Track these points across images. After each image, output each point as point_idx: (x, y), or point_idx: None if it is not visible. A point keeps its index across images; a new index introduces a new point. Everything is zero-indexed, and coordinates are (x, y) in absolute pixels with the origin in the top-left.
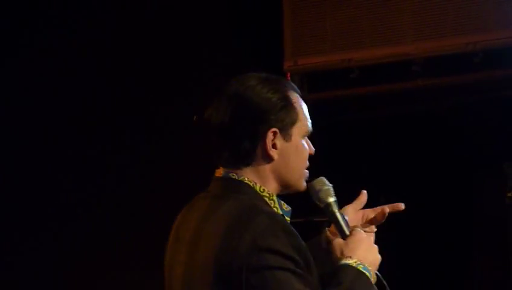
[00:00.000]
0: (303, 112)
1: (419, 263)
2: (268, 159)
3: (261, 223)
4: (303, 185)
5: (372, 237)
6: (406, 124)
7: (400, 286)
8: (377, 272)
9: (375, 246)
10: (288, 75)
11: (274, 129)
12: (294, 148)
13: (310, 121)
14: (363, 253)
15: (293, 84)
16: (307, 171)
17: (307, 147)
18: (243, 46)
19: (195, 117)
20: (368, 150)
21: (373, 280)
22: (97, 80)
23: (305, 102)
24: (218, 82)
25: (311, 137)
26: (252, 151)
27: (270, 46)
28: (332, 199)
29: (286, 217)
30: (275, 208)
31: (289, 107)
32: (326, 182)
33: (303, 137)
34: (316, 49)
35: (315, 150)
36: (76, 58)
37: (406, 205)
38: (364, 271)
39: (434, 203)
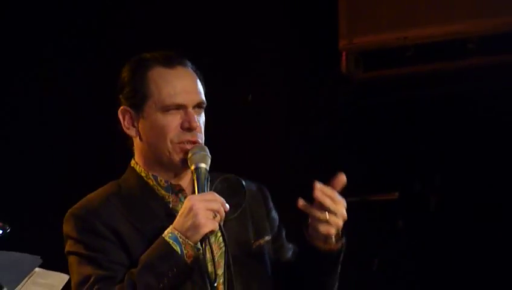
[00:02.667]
0: (157, 86)
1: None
2: (132, 138)
3: (67, 212)
4: (172, 159)
5: (203, 201)
6: (461, 103)
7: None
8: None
9: (198, 208)
10: (344, 53)
11: (123, 107)
12: (149, 124)
13: (178, 93)
14: (179, 218)
15: (165, 58)
16: (185, 145)
17: (173, 120)
18: (299, 27)
19: (249, 97)
20: (423, 129)
21: (187, 245)
22: None
23: (360, 80)
24: (275, 63)
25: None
26: (123, 132)
27: (326, 24)
28: (203, 165)
29: (166, 193)
30: (154, 186)
31: (137, 83)
32: (206, 150)
33: (163, 111)
34: (372, 28)
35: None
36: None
37: (460, 186)
38: (168, 239)
39: (489, 182)
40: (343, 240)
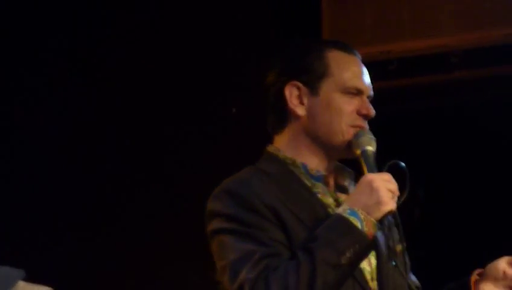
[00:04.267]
0: (339, 67)
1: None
2: (295, 116)
3: (215, 190)
4: (344, 141)
5: (382, 180)
6: (445, 116)
7: None
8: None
9: (379, 185)
10: None
11: (293, 82)
12: (324, 103)
13: (359, 78)
14: (357, 196)
15: (341, 44)
16: (354, 128)
17: (351, 103)
18: (283, 40)
19: (234, 110)
20: (406, 142)
21: (368, 222)
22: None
23: None
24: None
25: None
26: (280, 111)
27: (309, 37)
28: (370, 148)
29: (315, 182)
30: (301, 175)
31: (315, 60)
32: (371, 134)
33: (343, 93)
34: (355, 41)
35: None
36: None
37: (443, 198)
38: (347, 216)
39: (473, 195)
40: None
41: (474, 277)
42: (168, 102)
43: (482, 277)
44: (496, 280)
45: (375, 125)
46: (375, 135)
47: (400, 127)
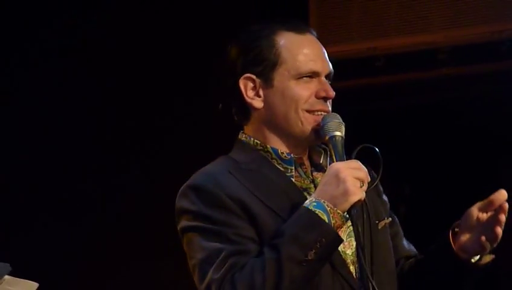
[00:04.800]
0: (291, 52)
1: None
2: (254, 109)
3: (182, 186)
4: (304, 130)
5: (349, 168)
6: (432, 113)
7: None
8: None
9: (346, 175)
10: None
11: (247, 75)
12: (280, 93)
13: (313, 60)
14: (323, 187)
15: (292, 24)
16: (319, 115)
17: (307, 88)
18: None
19: (220, 106)
20: (393, 139)
21: (335, 214)
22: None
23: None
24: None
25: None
26: (240, 104)
27: None
28: (338, 133)
29: (287, 166)
30: (273, 160)
31: (265, 49)
32: (339, 117)
33: (297, 79)
34: (342, 38)
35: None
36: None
37: (429, 195)
38: (313, 209)
39: (459, 192)
40: (492, 256)
41: (452, 231)
42: (151, 101)
43: (459, 229)
44: (472, 228)
45: (361, 121)
46: (361, 131)
47: (387, 123)
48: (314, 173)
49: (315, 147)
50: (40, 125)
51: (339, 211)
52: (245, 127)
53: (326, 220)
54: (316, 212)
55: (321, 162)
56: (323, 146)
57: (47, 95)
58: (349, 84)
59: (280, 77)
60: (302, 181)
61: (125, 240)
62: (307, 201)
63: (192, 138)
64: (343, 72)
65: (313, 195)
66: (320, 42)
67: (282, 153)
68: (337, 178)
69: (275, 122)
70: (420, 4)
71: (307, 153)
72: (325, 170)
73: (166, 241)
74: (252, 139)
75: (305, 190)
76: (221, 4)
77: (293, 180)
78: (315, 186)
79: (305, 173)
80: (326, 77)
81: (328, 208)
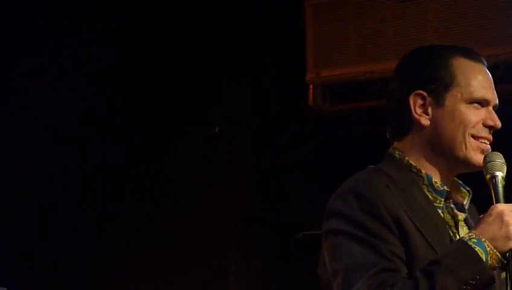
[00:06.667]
0: (465, 76)
1: None
2: (419, 126)
3: (340, 188)
4: (469, 156)
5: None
6: None
7: None
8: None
9: (510, 219)
10: (311, 86)
11: (418, 91)
12: (449, 114)
13: (485, 88)
14: (485, 226)
15: (467, 50)
16: (482, 143)
17: (477, 114)
18: (267, 59)
19: (217, 128)
20: None
21: (492, 255)
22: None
23: (326, 113)
24: (243, 96)
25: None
26: (403, 119)
27: (293, 58)
28: (499, 174)
29: (437, 197)
30: (424, 186)
31: (440, 69)
32: (502, 158)
33: (469, 103)
34: (339, 61)
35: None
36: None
37: None
38: (473, 245)
39: None
40: None
41: None
42: (150, 121)
43: None
44: None
45: (358, 145)
46: (358, 154)
47: (384, 148)
48: (455, 211)
49: (459, 186)
50: (36, 156)
51: (497, 252)
52: (398, 142)
53: (484, 260)
54: (476, 249)
55: (463, 202)
56: (467, 188)
57: (34, 125)
58: (346, 107)
59: (452, 98)
60: (445, 214)
61: (124, 269)
62: (465, 236)
63: (190, 167)
64: (340, 96)
65: (472, 231)
66: (317, 66)
67: (436, 182)
68: (501, 220)
69: (438, 142)
70: (416, 28)
71: (451, 189)
72: (465, 211)
73: (163, 269)
74: (406, 158)
75: (447, 223)
76: (219, 29)
77: (439, 211)
78: (455, 224)
79: (447, 208)
80: (493, 107)
81: (488, 248)
